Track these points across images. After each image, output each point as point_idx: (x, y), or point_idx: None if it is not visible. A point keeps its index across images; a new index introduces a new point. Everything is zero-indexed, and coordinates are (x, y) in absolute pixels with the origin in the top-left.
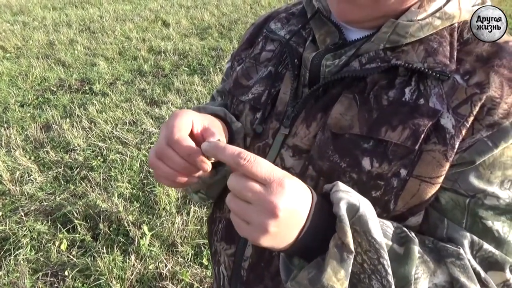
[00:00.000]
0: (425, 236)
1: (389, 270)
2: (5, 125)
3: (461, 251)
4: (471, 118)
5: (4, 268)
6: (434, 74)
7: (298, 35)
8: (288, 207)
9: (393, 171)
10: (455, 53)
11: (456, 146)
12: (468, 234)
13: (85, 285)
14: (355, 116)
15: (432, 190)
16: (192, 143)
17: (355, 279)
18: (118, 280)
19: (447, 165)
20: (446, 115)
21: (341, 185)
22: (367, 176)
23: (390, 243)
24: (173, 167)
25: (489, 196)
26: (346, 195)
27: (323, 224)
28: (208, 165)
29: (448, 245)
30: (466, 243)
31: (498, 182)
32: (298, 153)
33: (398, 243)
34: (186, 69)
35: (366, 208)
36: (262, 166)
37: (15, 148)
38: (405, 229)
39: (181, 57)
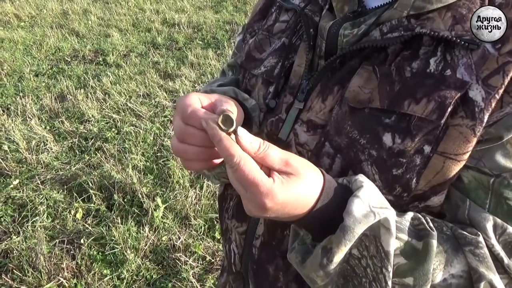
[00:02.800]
0: (443, 221)
1: (389, 283)
2: (21, 94)
3: (480, 238)
4: (502, 90)
5: (22, 234)
6: (462, 43)
7: (313, 3)
8: (281, 204)
9: (416, 147)
10: None
11: (485, 121)
12: (491, 217)
13: (100, 253)
14: (375, 89)
15: (457, 167)
16: (207, 112)
17: (357, 280)
18: (132, 250)
19: (475, 141)
20: (475, 87)
21: (365, 187)
22: (388, 154)
23: (407, 238)
24: (198, 143)
25: None
26: (365, 200)
27: (333, 210)
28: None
29: (467, 233)
30: (489, 226)
31: None
32: (313, 128)
33: (417, 237)
34: (200, 42)
35: (384, 214)
36: (249, 170)
37: (31, 117)
38: (423, 219)
39: (195, 30)
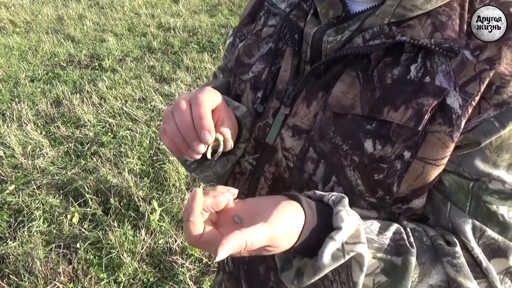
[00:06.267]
0: (425, 229)
1: None
2: (16, 100)
3: (457, 248)
4: (479, 97)
5: (19, 239)
6: (441, 51)
7: (299, 8)
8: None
9: (396, 153)
10: (465, 27)
11: (462, 127)
12: (470, 220)
13: (97, 257)
14: (357, 95)
15: (436, 172)
16: (210, 115)
17: None
18: (129, 254)
19: (453, 146)
20: (453, 94)
21: (343, 227)
22: (369, 159)
23: (386, 256)
24: (178, 123)
25: (494, 180)
26: (339, 239)
27: (314, 238)
28: (209, 139)
29: (445, 244)
30: (468, 228)
31: (505, 165)
32: (298, 133)
33: (396, 253)
34: (196, 46)
35: (357, 250)
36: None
37: (27, 123)
38: (404, 234)
39: (191, 34)
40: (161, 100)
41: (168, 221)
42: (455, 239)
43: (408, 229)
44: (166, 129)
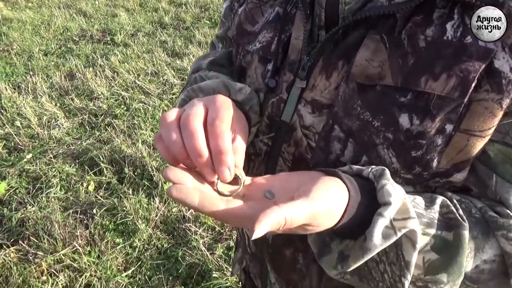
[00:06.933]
0: (472, 200)
1: None
2: (31, 73)
3: None
4: None
5: (37, 204)
6: (482, 3)
7: None
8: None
9: (437, 127)
10: None
11: None
12: None
13: (112, 223)
14: (385, 62)
15: (482, 143)
16: (231, 148)
17: (373, 283)
18: (143, 220)
19: (501, 115)
20: (502, 55)
21: (386, 189)
22: (406, 136)
23: (437, 232)
24: (188, 146)
25: None
26: (388, 215)
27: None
28: (227, 178)
29: (498, 215)
30: None
31: None
32: (318, 109)
33: (446, 228)
34: (208, 22)
35: (408, 226)
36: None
37: (41, 95)
38: (452, 207)
39: (202, 9)
40: (173, 74)
41: None
42: (509, 211)
43: (455, 201)
44: (166, 143)
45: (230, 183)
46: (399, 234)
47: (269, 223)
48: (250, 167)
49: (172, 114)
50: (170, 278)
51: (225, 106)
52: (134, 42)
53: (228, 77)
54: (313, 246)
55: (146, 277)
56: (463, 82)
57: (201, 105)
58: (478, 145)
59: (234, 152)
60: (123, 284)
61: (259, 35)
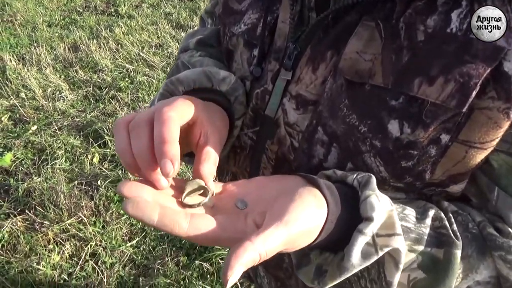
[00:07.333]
0: (470, 212)
1: None
2: (35, 44)
3: None
4: None
5: (43, 175)
6: None
7: None
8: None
9: (430, 137)
10: None
11: None
12: None
13: (117, 195)
14: (378, 56)
15: (483, 155)
16: (176, 137)
17: None
18: None
19: (507, 125)
20: None
21: (370, 202)
22: (395, 145)
23: (425, 249)
24: (134, 148)
25: None
26: (370, 232)
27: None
28: (170, 171)
29: (497, 234)
30: None
31: None
32: (303, 105)
33: (437, 244)
34: None
35: (392, 244)
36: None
37: (46, 67)
38: (446, 221)
39: None
40: (177, 47)
41: (186, 166)
42: (510, 229)
43: (450, 214)
44: (117, 148)
45: (201, 194)
46: (381, 254)
47: (243, 265)
48: (236, 160)
49: (123, 121)
50: (174, 248)
51: (181, 101)
52: (138, 13)
53: (215, 60)
54: (292, 256)
55: (150, 247)
56: (462, 89)
57: (158, 106)
58: (479, 157)
59: (206, 158)
60: (127, 254)
61: (244, 16)
